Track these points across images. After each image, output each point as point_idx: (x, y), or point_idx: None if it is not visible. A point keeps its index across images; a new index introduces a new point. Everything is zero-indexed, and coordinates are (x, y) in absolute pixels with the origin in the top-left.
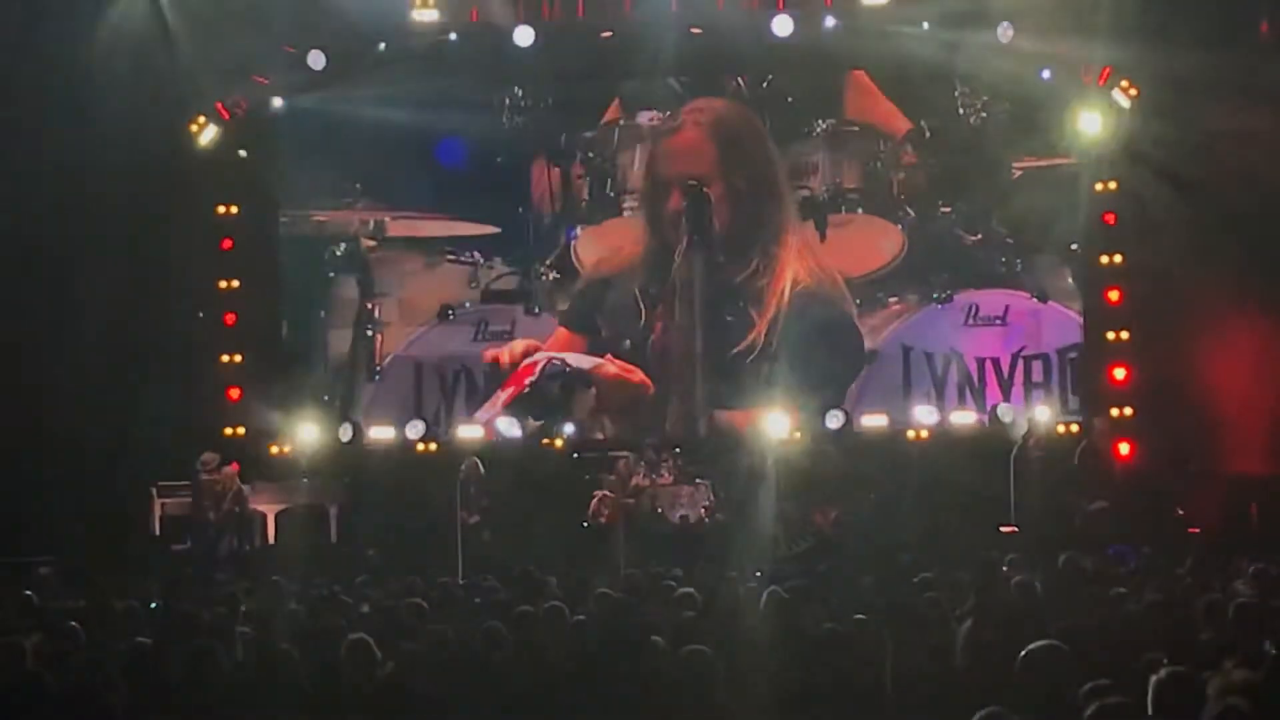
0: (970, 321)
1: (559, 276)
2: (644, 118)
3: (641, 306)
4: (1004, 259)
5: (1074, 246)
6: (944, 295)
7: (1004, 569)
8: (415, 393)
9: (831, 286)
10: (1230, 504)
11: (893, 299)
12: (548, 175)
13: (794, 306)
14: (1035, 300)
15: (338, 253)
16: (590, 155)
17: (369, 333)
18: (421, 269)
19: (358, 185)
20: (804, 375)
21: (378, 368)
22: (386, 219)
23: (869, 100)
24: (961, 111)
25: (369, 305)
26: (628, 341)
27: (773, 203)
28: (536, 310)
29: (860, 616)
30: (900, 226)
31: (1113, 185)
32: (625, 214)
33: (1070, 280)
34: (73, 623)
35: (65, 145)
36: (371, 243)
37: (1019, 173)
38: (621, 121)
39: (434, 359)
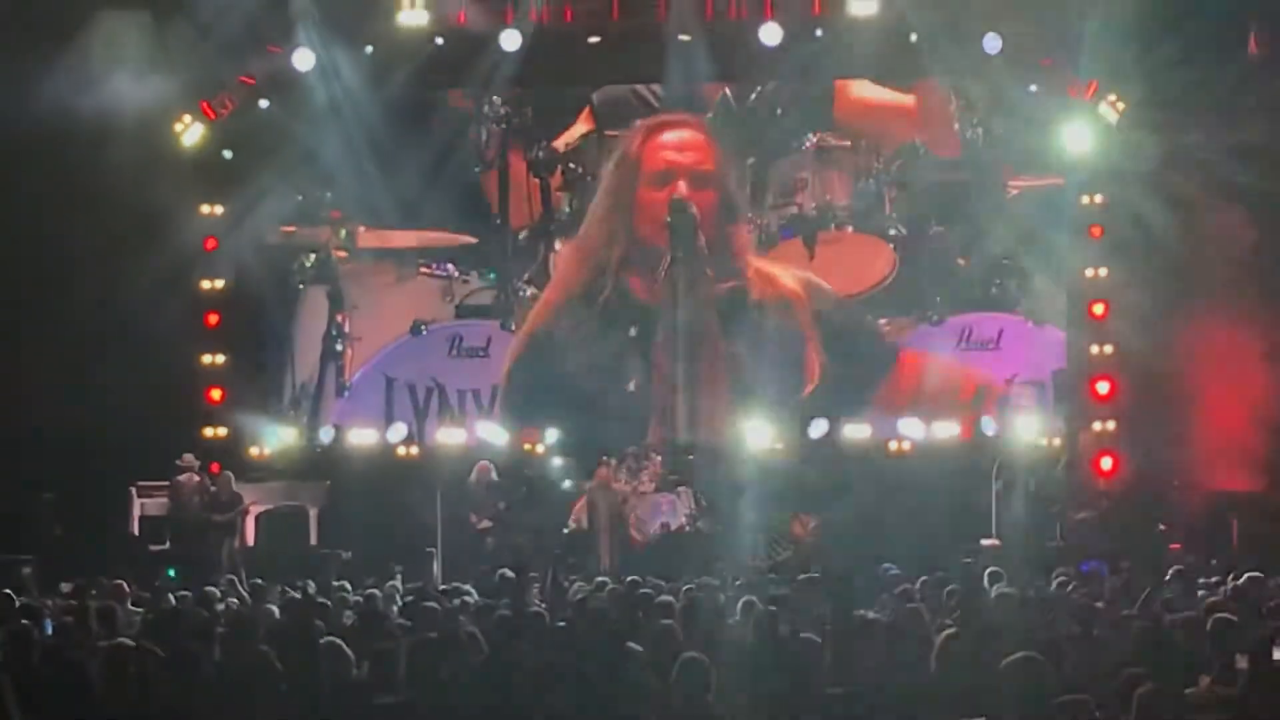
0: (963, 345)
1: (537, 292)
2: (622, 126)
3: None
4: (998, 280)
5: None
6: (936, 317)
7: (984, 581)
8: (385, 409)
9: (831, 295)
10: (1211, 519)
11: (883, 320)
12: (527, 185)
13: (827, 331)
14: (1030, 324)
15: (307, 264)
16: (571, 166)
17: (338, 347)
18: (394, 282)
19: (328, 194)
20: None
21: (347, 383)
22: (359, 229)
23: (860, 109)
24: (957, 126)
25: (339, 318)
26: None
27: (739, 222)
28: (513, 327)
29: (838, 626)
30: (891, 245)
31: (1099, 199)
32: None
33: (1065, 303)
34: (30, 620)
35: (50, 142)
36: (342, 254)
37: (1015, 191)
38: (606, 130)
39: (405, 375)
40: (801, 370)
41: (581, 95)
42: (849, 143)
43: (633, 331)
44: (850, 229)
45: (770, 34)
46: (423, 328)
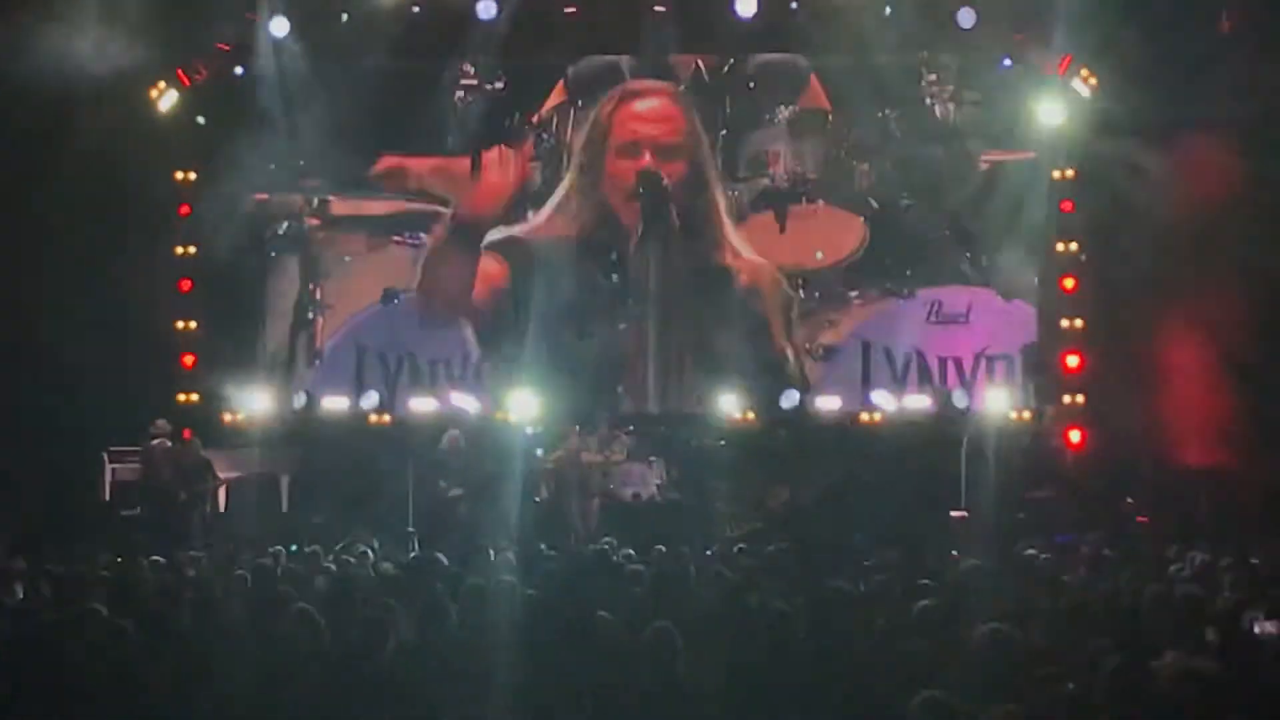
0: (932, 319)
1: None
2: (594, 98)
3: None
4: (969, 254)
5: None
6: (906, 291)
7: (954, 553)
8: (357, 378)
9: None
10: (1179, 494)
11: (853, 293)
12: (499, 157)
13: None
14: (1000, 298)
15: (280, 231)
16: (543, 137)
17: (310, 315)
18: (365, 250)
19: (302, 162)
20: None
21: (318, 351)
22: (331, 198)
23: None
24: (928, 101)
25: (310, 287)
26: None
27: (712, 194)
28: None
29: (808, 597)
30: (862, 218)
31: (1070, 174)
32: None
33: (1036, 279)
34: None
35: (21, 107)
36: (315, 221)
37: (986, 165)
38: (578, 102)
39: (377, 344)
40: (771, 352)
41: (554, 67)
42: (821, 115)
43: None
44: (822, 202)
45: (745, 6)
46: (395, 298)
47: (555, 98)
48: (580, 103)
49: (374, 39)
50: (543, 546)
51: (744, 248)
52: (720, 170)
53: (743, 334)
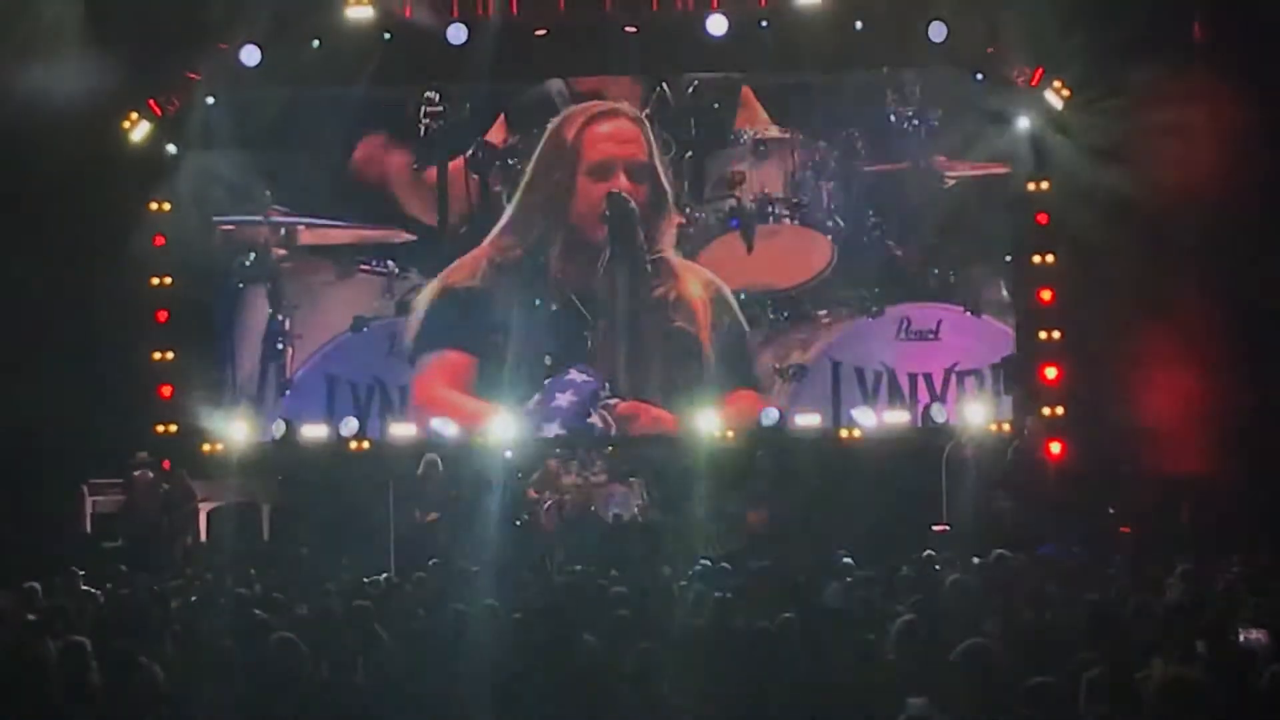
0: (902, 336)
1: None
2: (549, 124)
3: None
4: (936, 271)
5: (1008, 258)
6: (875, 309)
7: (937, 567)
8: (328, 407)
9: (724, 293)
10: (1161, 503)
11: (822, 312)
12: (465, 182)
13: (715, 313)
14: (969, 314)
15: (246, 263)
16: (510, 162)
17: (279, 346)
18: (334, 280)
19: (268, 192)
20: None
21: (288, 381)
22: (298, 227)
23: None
24: (893, 119)
25: (279, 318)
26: (547, 358)
27: (670, 220)
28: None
29: (791, 615)
30: (829, 237)
31: (1045, 186)
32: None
33: (1005, 293)
34: None
35: None
36: (282, 252)
37: (952, 182)
38: (533, 130)
39: (347, 373)
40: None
41: (516, 91)
42: (787, 134)
43: (551, 306)
44: (789, 221)
45: (716, 25)
46: (364, 326)
47: (514, 122)
48: (535, 129)
49: (346, 66)
50: (524, 570)
51: (688, 270)
52: (685, 191)
53: (669, 357)
